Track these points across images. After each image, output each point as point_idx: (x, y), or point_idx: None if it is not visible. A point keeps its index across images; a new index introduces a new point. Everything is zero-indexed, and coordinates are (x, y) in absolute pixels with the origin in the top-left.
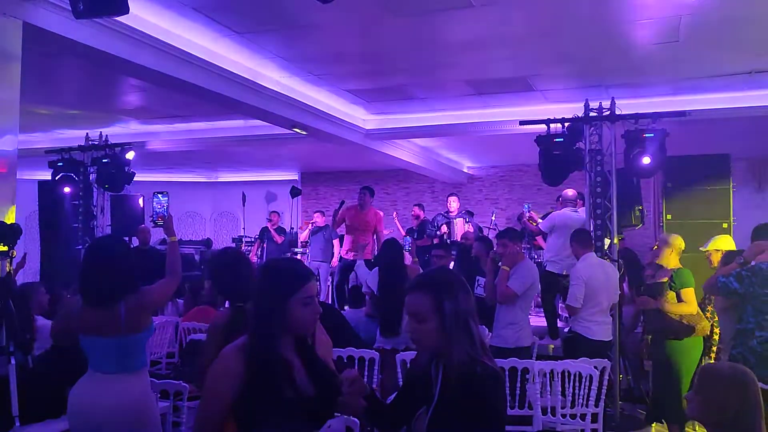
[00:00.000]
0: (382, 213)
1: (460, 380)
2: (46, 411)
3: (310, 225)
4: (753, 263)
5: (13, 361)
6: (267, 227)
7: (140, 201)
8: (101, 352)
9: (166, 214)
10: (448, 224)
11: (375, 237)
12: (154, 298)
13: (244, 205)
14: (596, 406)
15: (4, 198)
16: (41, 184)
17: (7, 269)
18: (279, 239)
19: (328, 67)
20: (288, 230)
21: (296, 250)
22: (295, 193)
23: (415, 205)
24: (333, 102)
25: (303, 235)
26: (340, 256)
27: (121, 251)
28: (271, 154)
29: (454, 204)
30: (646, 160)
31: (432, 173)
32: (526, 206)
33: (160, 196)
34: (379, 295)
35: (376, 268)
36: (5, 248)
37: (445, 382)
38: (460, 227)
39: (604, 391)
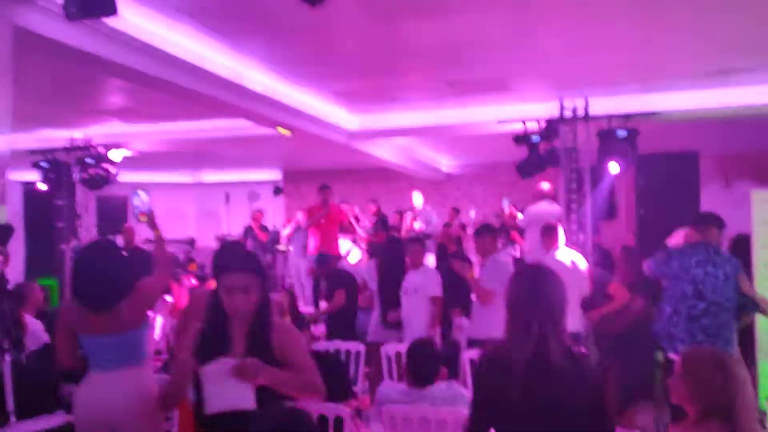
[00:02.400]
0: (345, 207)
1: None
2: (40, 407)
3: (293, 223)
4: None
5: (8, 358)
6: (251, 226)
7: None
8: (103, 350)
9: (147, 210)
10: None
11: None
12: (149, 292)
13: (227, 204)
14: None
15: None
16: (26, 185)
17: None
18: (263, 237)
19: (311, 68)
20: (271, 228)
21: (279, 247)
22: (278, 191)
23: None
24: (316, 102)
25: (286, 233)
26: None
27: (115, 256)
28: (254, 153)
29: (414, 199)
30: (617, 159)
31: (412, 171)
32: (505, 202)
33: (141, 192)
34: (379, 290)
35: (372, 262)
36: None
37: None
38: (406, 222)
39: None
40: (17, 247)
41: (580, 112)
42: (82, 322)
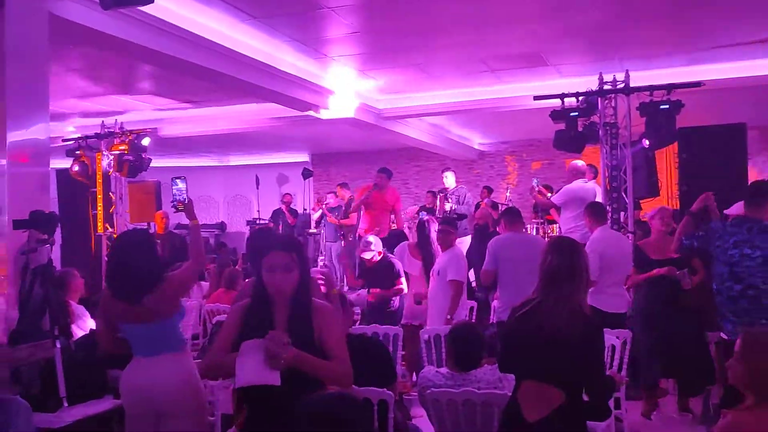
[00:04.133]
0: (398, 193)
1: None
2: (90, 392)
3: (323, 206)
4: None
5: (57, 345)
6: (281, 209)
7: (158, 186)
8: (140, 337)
9: (185, 198)
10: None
11: (393, 216)
12: (179, 283)
13: (258, 188)
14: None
15: (39, 187)
16: (59, 172)
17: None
18: (292, 221)
19: (343, 49)
20: (301, 211)
21: (310, 230)
22: (306, 174)
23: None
24: (347, 83)
25: (316, 216)
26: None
27: (145, 248)
28: (282, 136)
29: (447, 180)
30: (659, 133)
31: (443, 150)
32: (535, 181)
33: (178, 181)
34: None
35: (404, 245)
36: (45, 236)
37: None
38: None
39: (626, 360)
40: (55, 235)
41: (621, 86)
42: (118, 311)
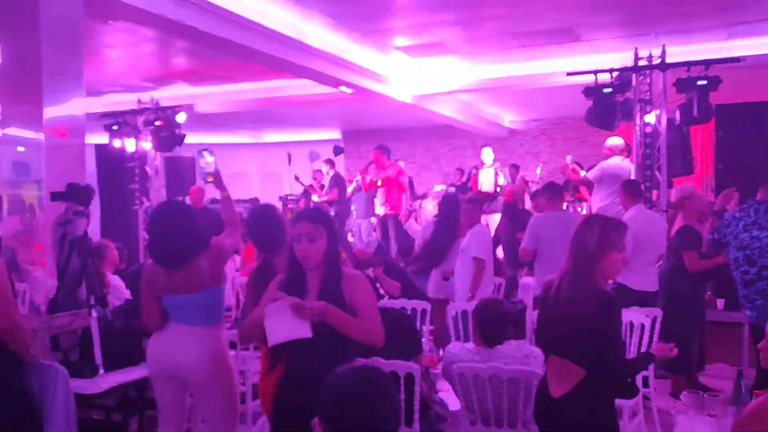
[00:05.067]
0: (400, 164)
1: None
2: (125, 359)
3: (354, 183)
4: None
5: (94, 314)
6: (311, 186)
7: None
8: (182, 308)
9: (214, 170)
10: (473, 176)
11: (400, 191)
12: (225, 249)
13: (289, 165)
14: None
15: (76, 161)
16: (98, 147)
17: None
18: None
19: (373, 24)
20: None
21: None
22: (338, 151)
23: (327, 160)
24: (378, 59)
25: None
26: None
27: (185, 212)
28: (313, 113)
29: (484, 156)
30: (695, 110)
31: (473, 128)
32: (569, 158)
33: (205, 153)
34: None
35: (430, 222)
36: (82, 208)
37: None
38: (490, 179)
39: (656, 339)
40: (93, 208)
41: (657, 61)
42: (161, 282)
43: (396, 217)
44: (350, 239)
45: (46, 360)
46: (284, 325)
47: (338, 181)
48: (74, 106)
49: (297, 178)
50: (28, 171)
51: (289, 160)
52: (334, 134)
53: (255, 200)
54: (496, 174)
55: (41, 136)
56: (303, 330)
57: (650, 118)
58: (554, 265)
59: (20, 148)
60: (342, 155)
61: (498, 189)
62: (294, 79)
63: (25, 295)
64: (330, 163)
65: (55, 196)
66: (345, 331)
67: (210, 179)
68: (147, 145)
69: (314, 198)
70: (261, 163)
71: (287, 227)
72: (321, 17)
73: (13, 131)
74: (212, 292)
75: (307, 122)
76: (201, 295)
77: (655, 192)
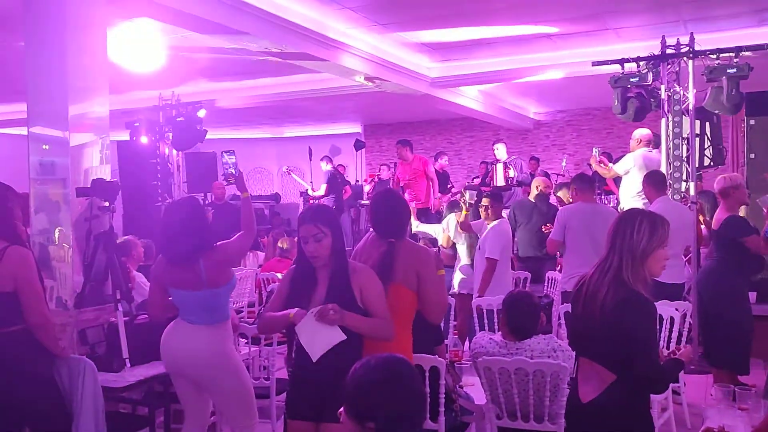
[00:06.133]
0: (426, 158)
1: None
2: (150, 354)
3: (376, 178)
4: None
5: (120, 309)
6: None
7: (214, 157)
8: (187, 304)
9: (236, 171)
10: (490, 172)
11: (430, 182)
12: (231, 253)
13: (310, 159)
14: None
15: (100, 157)
16: (120, 144)
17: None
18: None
19: (393, 16)
20: (353, 183)
21: (362, 202)
22: (359, 146)
23: (324, 157)
24: (398, 51)
25: (368, 188)
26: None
27: (195, 214)
28: (334, 107)
29: (498, 152)
30: (724, 98)
31: (497, 120)
32: (595, 150)
33: (226, 155)
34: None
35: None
36: (106, 204)
37: None
38: (501, 174)
39: (685, 333)
40: (116, 204)
41: (685, 49)
42: (168, 276)
43: (427, 210)
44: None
45: (74, 354)
46: (318, 337)
47: (332, 178)
48: (98, 104)
49: (289, 172)
50: (54, 169)
51: (310, 155)
52: (355, 128)
53: (276, 196)
54: (506, 168)
55: (67, 134)
56: (336, 335)
57: (678, 107)
58: (583, 257)
59: (45, 146)
60: (363, 149)
61: (509, 181)
62: (315, 74)
63: (52, 291)
64: (327, 159)
65: (80, 192)
66: (360, 331)
67: (231, 180)
68: (168, 141)
69: (309, 192)
70: (281, 158)
71: (410, 213)
72: (343, 10)
73: (38, 129)
74: (211, 292)
75: (327, 117)
76: (200, 294)
77: (683, 183)
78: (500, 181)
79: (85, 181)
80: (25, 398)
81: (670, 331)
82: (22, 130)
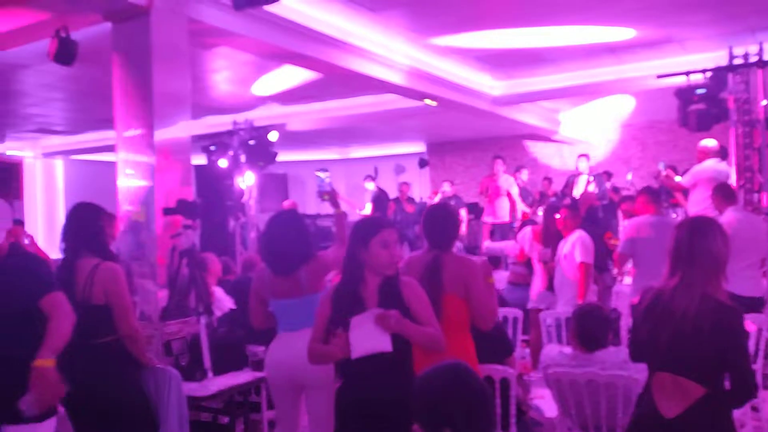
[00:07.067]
0: (513, 178)
1: None
2: (230, 365)
3: (439, 194)
4: None
5: (202, 321)
6: (398, 198)
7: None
8: (289, 312)
9: (330, 188)
10: (572, 183)
11: (513, 200)
12: (327, 262)
13: (375, 178)
14: (754, 362)
15: (183, 179)
16: (197, 167)
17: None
18: (410, 209)
19: (456, 36)
20: (418, 200)
21: None
22: (423, 163)
23: (367, 176)
24: (460, 71)
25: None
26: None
27: (297, 225)
28: (399, 127)
29: (581, 164)
30: None
31: (560, 136)
32: (662, 164)
33: (320, 173)
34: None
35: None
36: (189, 222)
37: None
38: (582, 186)
39: (762, 348)
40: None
41: (753, 59)
42: (269, 287)
43: (506, 226)
44: None
45: (160, 364)
46: (367, 337)
47: (377, 198)
48: (181, 129)
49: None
50: (140, 190)
51: (376, 174)
52: (420, 147)
53: (343, 215)
54: (588, 183)
55: (152, 158)
56: (384, 343)
57: (748, 117)
58: (652, 271)
59: (129, 171)
60: (427, 167)
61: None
62: (380, 95)
63: (136, 306)
64: (370, 178)
65: (167, 212)
66: (415, 340)
67: (326, 197)
68: (242, 163)
69: (358, 212)
70: (348, 178)
71: (459, 227)
72: (405, 33)
73: (126, 155)
74: (310, 298)
75: (392, 136)
76: (301, 300)
77: (755, 195)
78: (577, 194)
79: (169, 201)
80: (116, 405)
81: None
82: (105, 156)
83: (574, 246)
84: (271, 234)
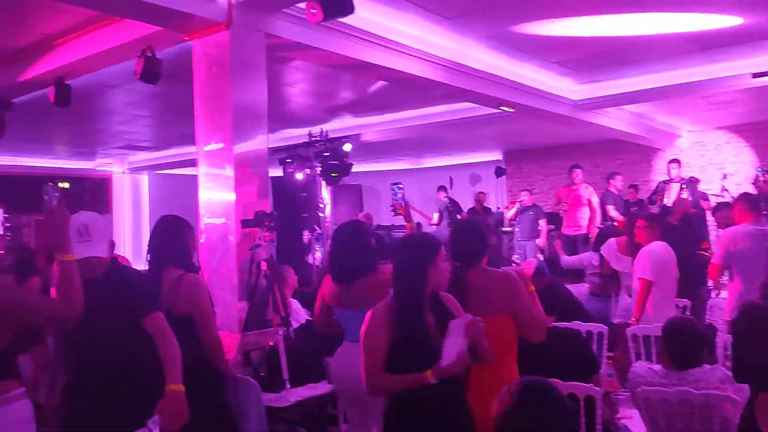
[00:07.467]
0: (591, 187)
1: None
2: (307, 376)
3: (518, 204)
4: None
5: (280, 332)
6: (473, 208)
7: (360, 189)
8: (350, 322)
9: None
10: (662, 190)
11: (593, 211)
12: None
13: (450, 188)
14: None
15: (261, 191)
16: (273, 179)
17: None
18: (486, 219)
19: (535, 41)
20: (494, 210)
21: (504, 229)
22: (500, 172)
23: (440, 187)
24: (539, 75)
25: (510, 214)
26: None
27: (357, 236)
28: (474, 135)
29: (673, 170)
30: None
31: (646, 141)
32: (759, 170)
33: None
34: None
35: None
36: (268, 234)
37: None
38: (675, 194)
39: None
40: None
41: None
42: (333, 296)
43: (586, 237)
44: (516, 261)
45: (240, 374)
46: (455, 345)
47: (445, 208)
48: (258, 143)
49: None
50: (220, 203)
51: (451, 184)
52: (496, 155)
53: (418, 225)
54: (681, 190)
55: (231, 171)
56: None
57: None
58: (752, 285)
59: (209, 184)
60: (503, 176)
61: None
62: (454, 103)
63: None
64: (443, 189)
65: (245, 224)
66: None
67: (399, 211)
68: (317, 175)
69: (430, 223)
70: (422, 188)
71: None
72: (482, 40)
73: (207, 169)
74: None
75: (467, 146)
76: (361, 313)
77: None
78: (669, 202)
79: (248, 213)
80: (199, 414)
81: None
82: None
83: (638, 259)
84: (333, 243)
